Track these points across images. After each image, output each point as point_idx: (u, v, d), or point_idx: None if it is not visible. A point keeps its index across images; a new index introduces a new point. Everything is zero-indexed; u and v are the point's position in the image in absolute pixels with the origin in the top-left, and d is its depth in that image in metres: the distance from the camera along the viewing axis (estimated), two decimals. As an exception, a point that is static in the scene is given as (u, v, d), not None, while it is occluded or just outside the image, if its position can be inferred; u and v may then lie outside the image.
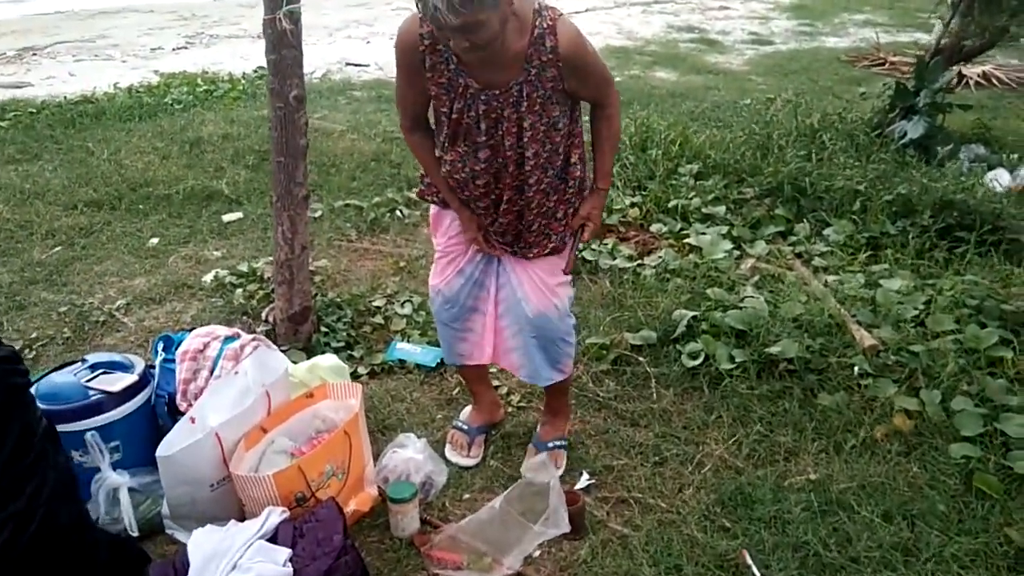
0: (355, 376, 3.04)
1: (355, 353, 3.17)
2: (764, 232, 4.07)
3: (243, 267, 3.81)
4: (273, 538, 1.90)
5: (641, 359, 3.00)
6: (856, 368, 2.77)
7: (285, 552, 1.82)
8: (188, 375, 2.33)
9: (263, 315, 3.35)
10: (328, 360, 2.61)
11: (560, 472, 2.43)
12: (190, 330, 2.65)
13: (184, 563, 1.82)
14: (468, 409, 2.63)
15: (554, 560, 2.10)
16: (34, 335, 3.30)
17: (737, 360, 2.86)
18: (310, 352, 3.20)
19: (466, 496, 2.38)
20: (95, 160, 5.28)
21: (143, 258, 4.05)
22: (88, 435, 2.18)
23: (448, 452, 2.48)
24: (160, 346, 2.45)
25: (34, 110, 6.57)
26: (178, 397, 2.30)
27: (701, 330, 3.06)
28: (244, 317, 3.45)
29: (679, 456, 2.50)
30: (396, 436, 2.65)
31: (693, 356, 2.95)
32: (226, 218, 4.51)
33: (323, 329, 3.29)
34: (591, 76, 2.02)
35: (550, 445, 2.47)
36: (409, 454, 2.35)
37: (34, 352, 3.19)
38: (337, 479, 2.13)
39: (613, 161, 2.30)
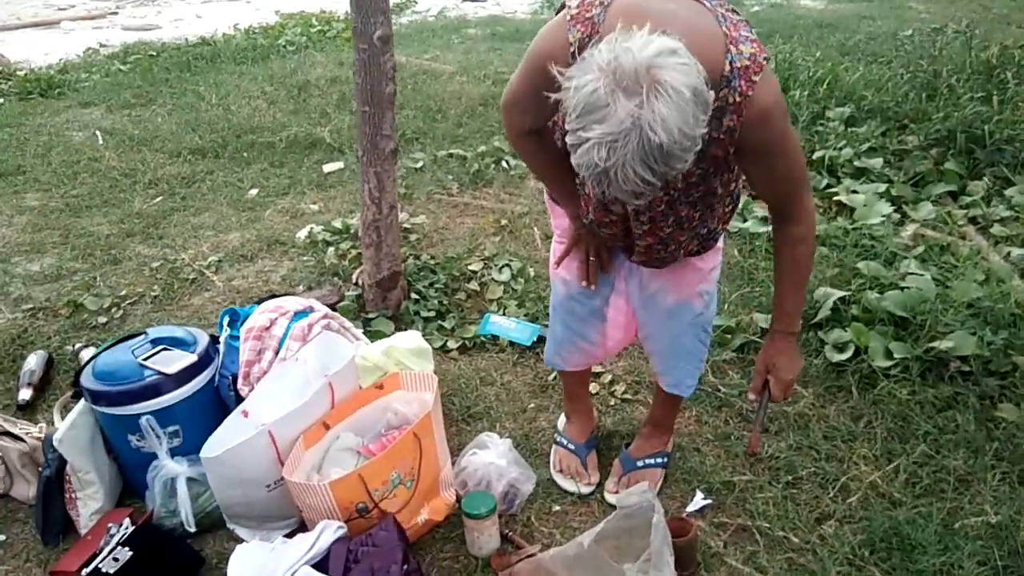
0: (444, 350, 2.76)
1: (446, 324, 2.88)
2: (931, 192, 3.43)
3: (337, 223, 3.57)
4: (324, 562, 1.64)
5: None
6: (1053, 374, 2.21)
7: (332, 584, 1.55)
8: (252, 356, 2.09)
9: (353, 277, 3.10)
10: (409, 340, 2.30)
11: (655, 492, 2.05)
12: (268, 298, 2.41)
13: (224, 586, 1.59)
14: (564, 420, 2.26)
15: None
16: (124, 292, 3.19)
17: (896, 356, 2.35)
18: (398, 320, 2.93)
19: (556, 508, 2.05)
20: (204, 105, 5.20)
21: (240, 210, 3.89)
22: (143, 419, 1.98)
23: (559, 480, 2.12)
24: (226, 320, 2.22)
25: (154, 53, 6.60)
26: (240, 381, 2.06)
27: (850, 315, 2.54)
28: (335, 278, 3.21)
29: (818, 476, 2.06)
30: (481, 425, 2.34)
31: (839, 348, 2.45)
32: (327, 168, 4.30)
33: (414, 296, 3.00)
34: (777, 167, 1.48)
35: (641, 464, 2.08)
36: (491, 457, 2.02)
37: (122, 311, 3.08)
38: (405, 487, 1.84)
39: (801, 301, 1.68)
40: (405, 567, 1.63)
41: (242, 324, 2.16)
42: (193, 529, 1.97)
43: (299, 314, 2.18)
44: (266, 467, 1.82)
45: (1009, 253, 2.89)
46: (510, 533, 1.96)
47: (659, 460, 2.11)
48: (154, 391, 2.01)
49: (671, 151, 1.16)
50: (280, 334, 2.11)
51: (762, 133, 1.40)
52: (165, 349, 2.11)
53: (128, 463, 2.12)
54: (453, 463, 2.10)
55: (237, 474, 1.79)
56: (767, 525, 1.93)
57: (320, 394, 1.90)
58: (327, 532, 1.69)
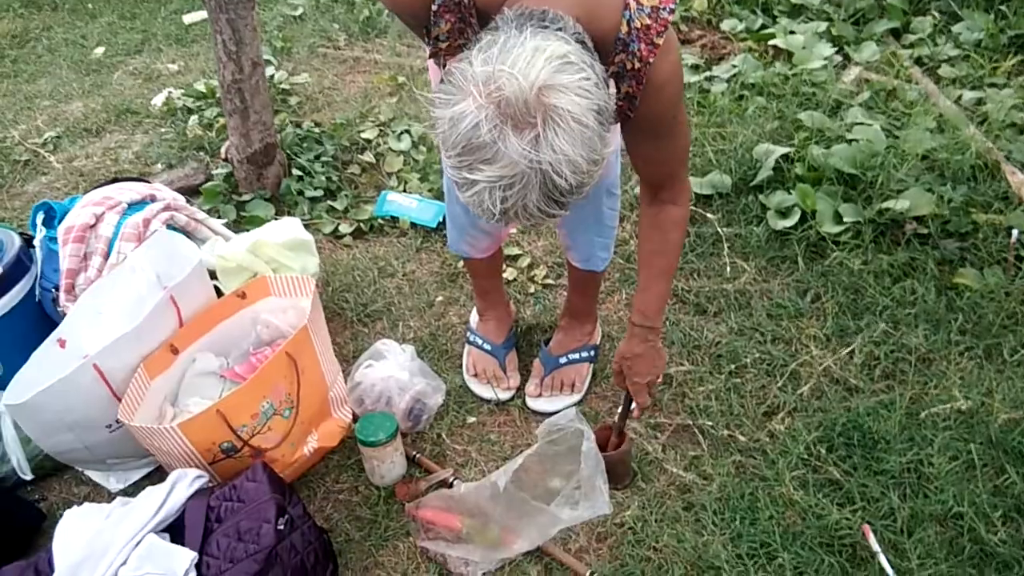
0: (336, 236, 2.36)
1: (336, 204, 2.46)
2: (873, 30, 3.09)
3: (200, 86, 3.01)
4: (179, 522, 1.30)
5: (709, 215, 2.23)
6: (1016, 232, 1.98)
7: (186, 557, 1.22)
8: (74, 263, 1.65)
9: (222, 152, 2.60)
10: (283, 231, 1.89)
11: (582, 395, 1.78)
12: (110, 182, 1.93)
13: (49, 565, 1.24)
14: (477, 317, 1.93)
15: (588, 528, 1.49)
16: (-63, 181, 2.62)
17: (846, 220, 2.08)
18: (279, 202, 2.49)
19: (471, 420, 1.75)
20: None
21: (84, 74, 3.27)
22: (-60, 351, 1.55)
23: (474, 386, 1.82)
24: (39, 218, 1.75)
25: None
26: (62, 295, 1.63)
27: (794, 175, 2.25)
28: (199, 154, 2.72)
29: (764, 363, 1.81)
30: (381, 326, 2.00)
31: (783, 213, 2.17)
32: (187, 19, 3.65)
33: (296, 172, 2.55)
34: (664, 145, 1.28)
35: (565, 360, 1.79)
36: (390, 369, 1.69)
37: (-65, 205, 2.53)
38: (282, 417, 1.50)
39: (667, 292, 1.45)
40: (282, 522, 1.31)
41: (60, 222, 1.70)
42: (29, 476, 1.60)
43: (134, 206, 1.74)
44: (99, 407, 1.44)
45: (960, 96, 2.61)
46: (418, 455, 1.66)
47: (585, 354, 1.82)
48: (-50, 314, 1.57)
49: (580, 183, 0.97)
50: (109, 234, 1.67)
51: (657, 105, 1.19)
52: (-39, 259, 1.65)
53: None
54: (346, 376, 1.76)
55: (59, 419, 1.41)
56: (710, 423, 1.69)
57: (160, 311, 1.50)
58: (180, 486, 1.34)
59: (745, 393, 1.75)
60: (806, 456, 1.59)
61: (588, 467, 1.28)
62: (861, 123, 2.41)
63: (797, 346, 1.85)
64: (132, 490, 1.61)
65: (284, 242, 1.85)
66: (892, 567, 1.38)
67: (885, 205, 2.08)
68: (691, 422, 1.70)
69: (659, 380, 1.50)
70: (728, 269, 2.08)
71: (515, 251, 2.18)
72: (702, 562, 1.42)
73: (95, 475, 1.67)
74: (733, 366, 1.81)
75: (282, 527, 1.33)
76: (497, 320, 1.87)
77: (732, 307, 1.97)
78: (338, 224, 2.39)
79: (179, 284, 1.52)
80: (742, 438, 1.65)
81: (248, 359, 1.60)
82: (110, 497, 1.64)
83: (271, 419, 1.48)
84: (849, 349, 1.81)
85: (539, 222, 1.01)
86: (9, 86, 3.19)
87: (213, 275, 1.77)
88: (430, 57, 1.21)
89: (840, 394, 1.72)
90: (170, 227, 1.74)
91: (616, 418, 1.55)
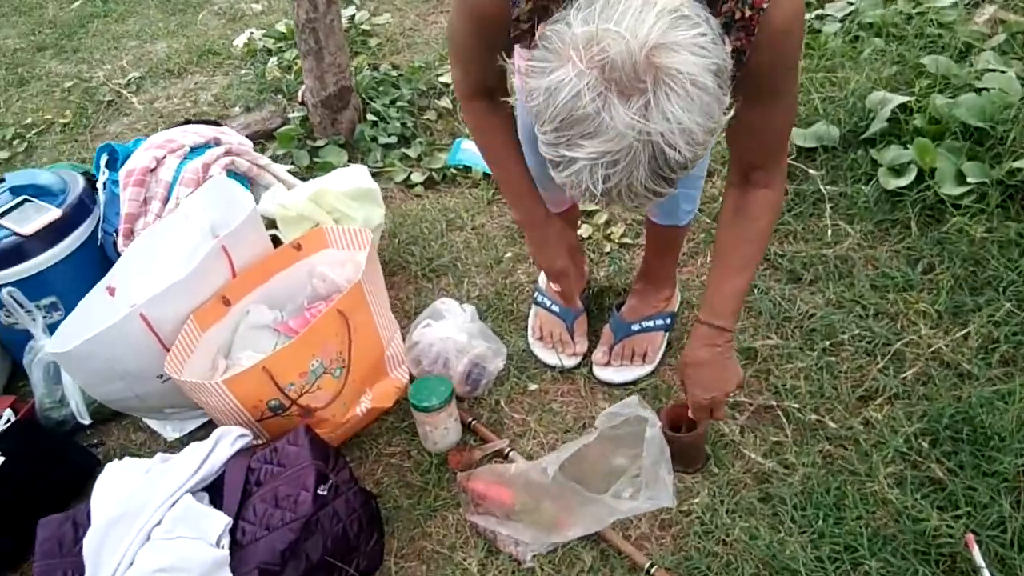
0: (408, 185, 2.27)
1: (410, 152, 2.36)
2: (1016, -38, 2.70)
3: (281, 26, 2.95)
4: (219, 483, 1.26)
5: (811, 171, 2.01)
6: None
7: (221, 521, 1.17)
8: (134, 207, 1.62)
9: (298, 95, 2.54)
10: (348, 179, 1.81)
11: (654, 366, 1.63)
12: (177, 125, 1.90)
13: (87, 519, 1.22)
14: (546, 278, 1.80)
15: (651, 515, 1.36)
16: (29, 120, 2.67)
17: (970, 181, 1.83)
18: (353, 148, 2.42)
19: (533, 388, 1.64)
20: None
21: (170, 13, 3.26)
22: (4, 292, 1.55)
23: (538, 350, 1.70)
24: (103, 160, 1.72)
25: None
26: (121, 240, 1.61)
27: (912, 128, 1.99)
28: (277, 96, 2.66)
29: (864, 340, 1.62)
30: (446, 282, 1.90)
31: (896, 171, 1.93)
32: (273, -43, 3.57)
33: (371, 117, 2.46)
34: (775, 108, 1.10)
35: (638, 327, 1.64)
36: (448, 330, 1.59)
37: (26, 142, 2.58)
38: (332, 377, 1.43)
39: (746, 287, 1.27)
40: (324, 488, 1.25)
41: (122, 165, 1.66)
42: (87, 421, 1.60)
43: (196, 150, 1.68)
44: (148, 357, 1.41)
45: (1117, 40, 2.26)
46: (474, 422, 1.57)
47: (660, 322, 1.68)
48: (14, 256, 1.57)
49: (694, 155, 0.85)
50: (169, 178, 1.62)
51: (771, 58, 1.01)
52: (27, 200, 1.64)
53: (9, 343, 1.73)
54: (405, 335, 1.68)
55: (108, 368, 1.38)
56: (796, 406, 1.52)
57: (211, 260, 1.44)
58: (222, 444, 1.30)
59: (839, 374, 1.57)
60: (905, 450, 1.41)
61: (651, 455, 1.16)
62: (993, 70, 2.11)
63: (903, 323, 1.65)
64: (187, 439, 1.59)
65: (348, 191, 1.77)
66: (999, 585, 1.20)
67: (1017, 165, 1.81)
68: (775, 403, 1.54)
69: (727, 398, 1.30)
70: (829, 232, 1.87)
71: (591, 205, 2.04)
72: (776, 562, 1.28)
73: (152, 423, 1.66)
74: (827, 343, 1.62)
75: (324, 492, 1.27)
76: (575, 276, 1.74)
77: (831, 275, 1.77)
78: (410, 172, 2.29)
79: (231, 233, 1.46)
80: (832, 425, 1.48)
81: (303, 313, 1.54)
82: (167, 445, 1.63)
83: (321, 378, 1.41)
84: (965, 330, 1.60)
85: (642, 203, 0.88)
86: (99, 25, 3.22)
87: (273, 224, 1.70)
88: (514, 43, 1.06)
89: (950, 381, 1.52)
90: (230, 173, 1.69)
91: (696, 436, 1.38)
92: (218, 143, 1.74)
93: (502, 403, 1.62)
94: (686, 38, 0.80)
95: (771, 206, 1.20)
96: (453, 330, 1.59)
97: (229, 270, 1.48)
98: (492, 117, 1.26)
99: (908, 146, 1.95)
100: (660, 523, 1.37)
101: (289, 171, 1.94)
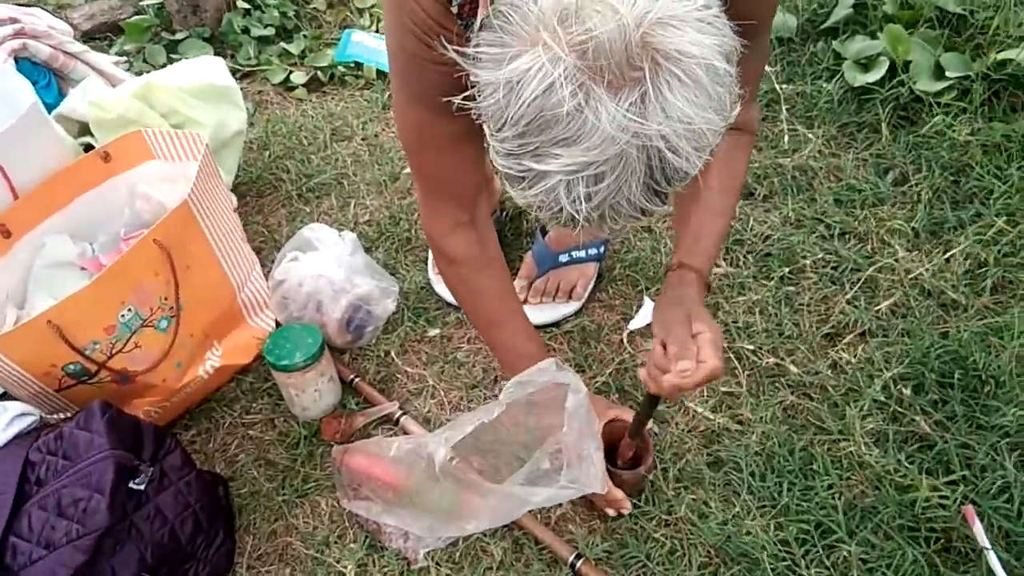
0: (287, 87, 1.88)
1: (292, 47, 1.96)
2: None
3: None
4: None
5: (766, 67, 1.70)
6: None
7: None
8: None
9: (152, -20, 2.08)
10: (193, 73, 1.41)
11: (581, 302, 1.34)
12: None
13: None
14: None
15: (579, 516, 1.08)
16: None
17: (949, 75, 1.55)
18: (219, 42, 2.00)
19: (432, 333, 1.33)
20: None
21: None
22: None
23: (440, 288, 1.37)
24: None
25: None
26: None
27: (882, 14, 1.70)
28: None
29: (829, 266, 1.35)
30: (328, 204, 1.55)
31: (863, 65, 1.64)
32: None
33: (242, 4, 2.03)
34: (762, 29, 0.87)
35: (566, 258, 1.34)
36: (322, 264, 1.25)
37: None
38: (157, 330, 1.08)
39: (725, 235, 1.03)
40: (137, 482, 0.92)
41: None
42: None
43: (-25, 31, 1.26)
44: None
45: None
46: (357, 380, 1.25)
47: (592, 251, 1.37)
48: None
49: (700, 163, 0.62)
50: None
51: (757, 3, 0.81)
52: None
53: None
54: (267, 273, 1.33)
55: None
56: (750, 347, 1.25)
57: (-23, 178, 1.05)
58: (-6, 429, 0.94)
59: (801, 307, 1.30)
60: (883, 399, 1.15)
61: (574, 428, 0.86)
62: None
63: (875, 244, 1.38)
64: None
65: (191, 87, 1.38)
66: (1005, 569, 0.96)
67: (1003, 56, 1.54)
68: (725, 344, 1.26)
69: (709, 379, 0.85)
70: (786, 139, 1.58)
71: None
72: (731, 546, 1.02)
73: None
74: (786, 270, 1.35)
75: (140, 486, 0.95)
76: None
77: (788, 189, 1.49)
78: (290, 72, 1.90)
79: (9, 143, 1.07)
80: (794, 369, 1.21)
81: (119, 246, 1.17)
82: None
83: (138, 333, 1.06)
84: (947, 252, 1.34)
85: (623, 226, 0.67)
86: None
87: (88, 131, 1.31)
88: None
89: (933, 313, 1.26)
90: (23, 62, 1.27)
91: (636, 414, 0.99)
92: (14, 21, 1.32)
93: (393, 354, 1.30)
94: (688, 11, 0.58)
95: (747, 146, 0.98)
96: (328, 264, 1.25)
97: (6, 190, 1.10)
98: (483, 268, 1.03)
99: (877, 36, 1.65)
100: (586, 501, 1.09)
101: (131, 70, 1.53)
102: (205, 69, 1.45)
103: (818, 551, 1.01)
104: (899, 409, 1.14)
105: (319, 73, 1.89)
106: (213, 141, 1.41)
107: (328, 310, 1.24)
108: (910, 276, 1.31)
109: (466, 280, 1.04)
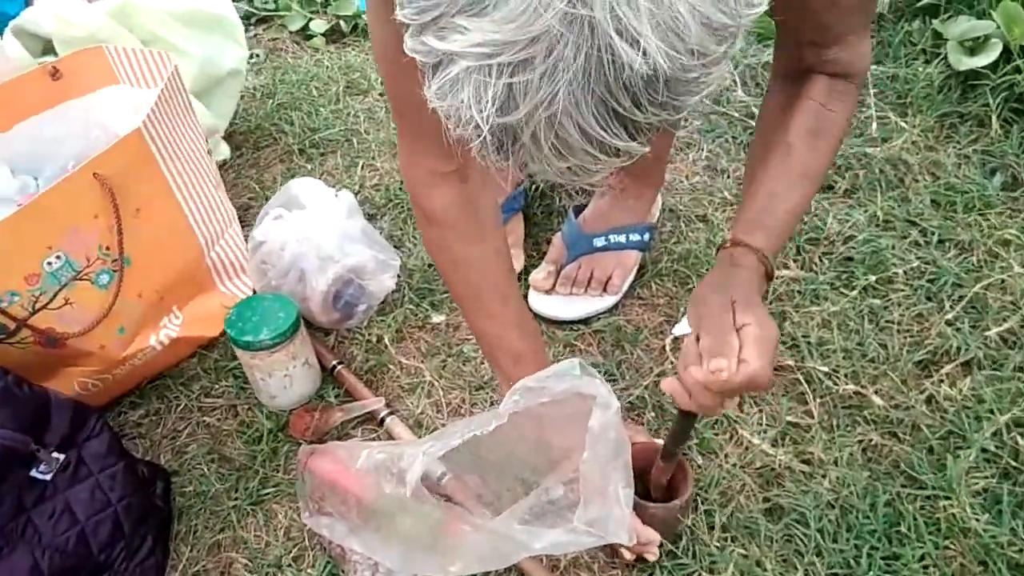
0: (306, 36, 1.68)
1: (311, -8, 1.76)
2: None
3: None
4: None
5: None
6: None
7: None
8: None
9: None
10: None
11: (618, 298, 1.11)
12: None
13: None
14: None
15: (597, 563, 0.85)
16: None
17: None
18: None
19: (437, 320, 1.11)
20: None
21: None
22: None
23: None
24: None
25: None
26: None
27: (998, -10, 1.45)
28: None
29: (925, 277, 1.11)
30: (334, 162, 1.34)
31: (969, 48, 1.39)
32: None
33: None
34: None
35: (603, 242, 1.12)
36: (309, 227, 1.04)
37: None
38: (95, 285, 0.88)
39: (804, 208, 0.75)
40: (41, 470, 0.72)
41: None
42: None
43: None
44: None
45: None
46: (340, 367, 1.03)
47: (635, 237, 1.14)
48: None
49: (683, 71, 0.41)
50: None
51: None
52: None
53: None
54: (247, 234, 1.12)
55: None
56: (824, 369, 1.01)
57: None
58: None
59: (889, 325, 1.05)
60: (994, 448, 0.91)
61: (598, 455, 0.63)
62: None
63: (982, 256, 1.13)
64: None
65: (180, 12, 1.17)
66: None
67: None
68: (792, 363, 1.02)
69: (748, 386, 0.64)
70: (874, 126, 1.33)
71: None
72: (792, 624, 0.79)
73: None
74: (872, 278, 1.11)
75: (45, 475, 0.75)
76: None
77: (876, 185, 1.24)
78: (310, 19, 1.70)
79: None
80: (879, 401, 0.97)
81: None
82: None
83: (70, 287, 0.86)
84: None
85: (584, 169, 0.45)
86: None
87: (52, 49, 1.12)
88: None
89: (1062, 342, 1.01)
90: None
91: (670, 432, 0.78)
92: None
93: (387, 340, 1.08)
94: None
95: (851, 97, 0.73)
96: (317, 227, 1.03)
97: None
98: (470, 234, 0.80)
99: (988, 14, 1.40)
100: (604, 548, 0.86)
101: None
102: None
103: (906, 641, 0.77)
104: (1014, 464, 0.89)
105: (341, 23, 1.68)
106: (201, 78, 1.21)
107: (312, 281, 1.03)
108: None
109: (447, 246, 0.82)
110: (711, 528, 0.86)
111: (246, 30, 1.39)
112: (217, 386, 1.04)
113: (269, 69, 1.55)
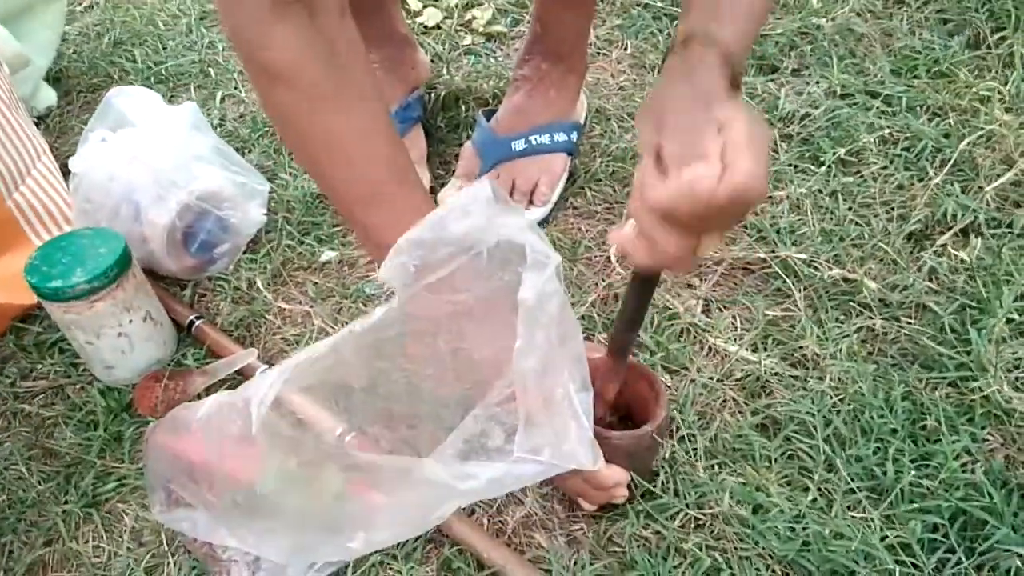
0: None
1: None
2: None
3: None
4: None
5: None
6: None
7: None
8: None
9: None
10: None
11: (549, 208, 0.91)
12: None
13: None
14: None
15: (554, 518, 0.65)
16: None
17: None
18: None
19: (326, 256, 0.89)
20: None
21: None
22: None
23: None
24: None
25: None
26: None
27: None
28: None
29: (902, 142, 0.94)
30: (188, 98, 1.10)
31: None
32: None
33: None
34: None
35: (522, 145, 0.92)
36: (140, 146, 0.80)
37: None
38: None
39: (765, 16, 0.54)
40: None
41: None
42: None
43: None
44: None
45: None
46: (199, 322, 0.80)
47: (560, 136, 0.94)
48: None
49: None
50: None
51: None
52: None
53: None
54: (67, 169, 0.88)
55: None
56: (800, 256, 0.83)
57: None
58: None
59: (868, 201, 0.88)
60: (1020, 314, 0.74)
61: (537, 342, 0.42)
62: None
63: (959, 116, 0.97)
64: None
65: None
66: None
67: None
68: (764, 255, 0.84)
69: (739, 199, 0.42)
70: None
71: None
72: (812, 558, 0.59)
73: None
74: (841, 151, 0.93)
75: None
76: (387, 69, 0.97)
77: (827, 60, 1.08)
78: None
79: None
80: (871, 284, 0.79)
81: None
82: None
83: None
84: (1074, 113, 0.93)
85: None
86: None
87: None
88: None
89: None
90: None
91: (618, 317, 0.57)
92: None
93: (260, 285, 0.85)
94: None
95: None
96: (153, 146, 0.80)
97: None
98: (334, 86, 0.56)
99: None
100: (558, 497, 0.65)
101: None
102: None
103: (959, 559, 0.58)
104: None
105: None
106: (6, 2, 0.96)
107: (148, 214, 0.79)
108: (1020, 146, 0.90)
109: (305, 109, 0.56)
110: (693, 455, 0.67)
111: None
112: (40, 365, 0.79)
113: (107, 7, 1.30)
